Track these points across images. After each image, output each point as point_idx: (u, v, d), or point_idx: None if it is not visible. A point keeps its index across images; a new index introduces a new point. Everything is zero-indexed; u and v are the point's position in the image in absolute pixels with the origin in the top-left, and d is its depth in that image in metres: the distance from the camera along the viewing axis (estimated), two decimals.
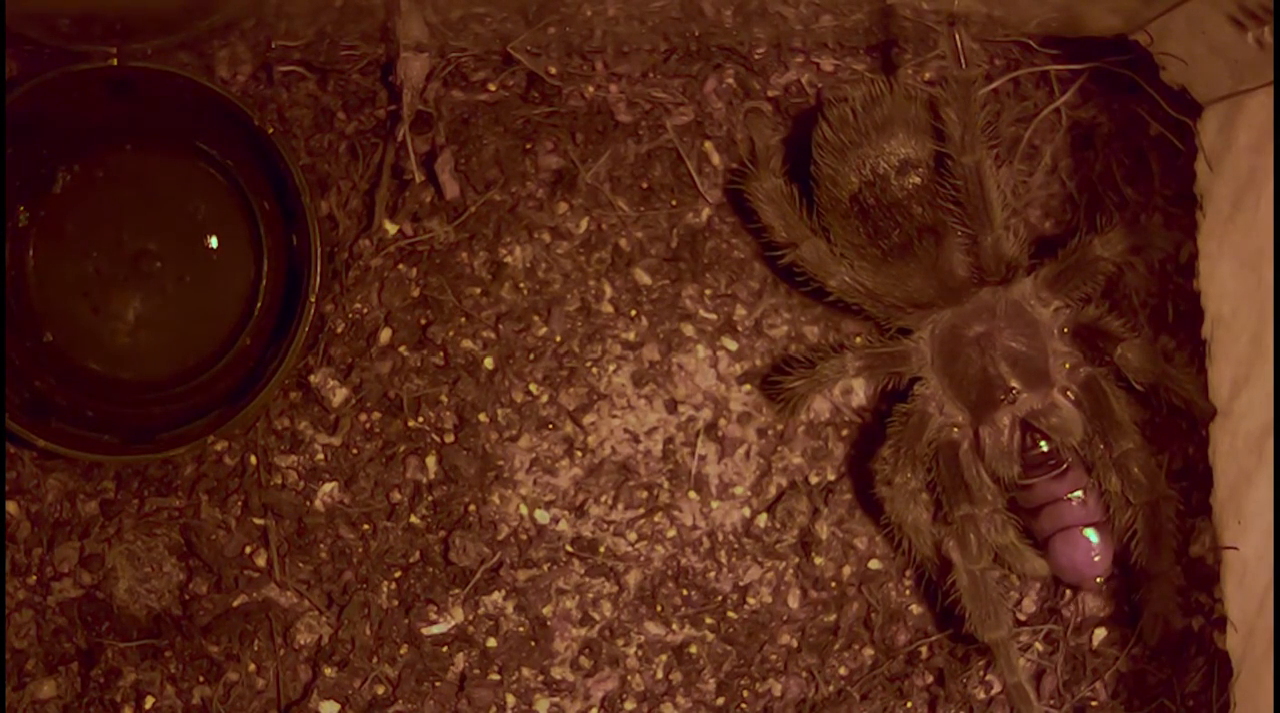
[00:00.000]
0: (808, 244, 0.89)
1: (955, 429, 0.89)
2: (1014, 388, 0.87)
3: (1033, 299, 0.89)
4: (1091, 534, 0.87)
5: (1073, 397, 0.88)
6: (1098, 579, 0.89)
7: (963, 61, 0.85)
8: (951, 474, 0.87)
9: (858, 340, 0.94)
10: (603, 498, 0.93)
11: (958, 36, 0.85)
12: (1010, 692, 0.88)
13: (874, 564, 0.93)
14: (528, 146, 0.95)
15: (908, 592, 0.93)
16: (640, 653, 0.92)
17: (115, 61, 0.88)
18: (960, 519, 0.86)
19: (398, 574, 0.92)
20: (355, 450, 0.93)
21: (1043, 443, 0.87)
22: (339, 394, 0.92)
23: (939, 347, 0.90)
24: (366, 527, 0.92)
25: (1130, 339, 0.87)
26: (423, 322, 0.93)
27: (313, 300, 0.90)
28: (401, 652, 0.91)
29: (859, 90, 0.90)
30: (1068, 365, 0.89)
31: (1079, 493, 0.87)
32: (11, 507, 0.92)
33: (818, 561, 0.93)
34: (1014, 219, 0.93)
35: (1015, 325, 0.89)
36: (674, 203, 0.95)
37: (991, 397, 0.88)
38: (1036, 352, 0.88)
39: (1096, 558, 0.88)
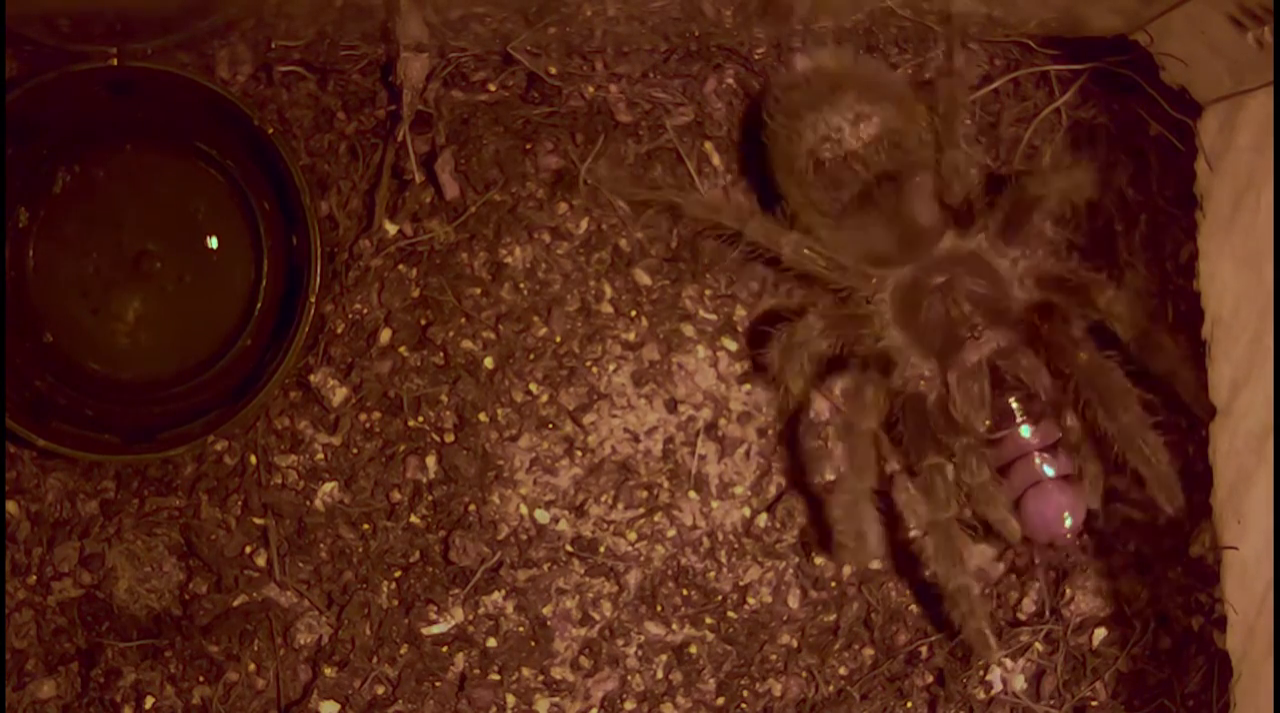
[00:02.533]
0: (753, 222, 0.89)
1: (922, 381, 0.88)
2: (978, 325, 0.87)
3: (990, 252, 0.89)
4: (1065, 488, 0.86)
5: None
6: (1070, 536, 0.88)
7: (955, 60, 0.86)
8: (918, 427, 0.86)
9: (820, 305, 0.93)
10: (603, 498, 0.93)
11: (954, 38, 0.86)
12: (970, 636, 0.87)
13: (874, 564, 0.93)
14: (528, 146, 0.95)
15: (908, 592, 0.93)
16: (640, 653, 0.92)
17: (115, 61, 0.88)
18: (928, 469, 0.85)
19: (398, 574, 0.92)
20: (355, 450, 0.93)
21: (1010, 399, 0.87)
22: (339, 394, 0.92)
23: (901, 302, 0.89)
24: (366, 527, 0.92)
25: (1108, 288, 0.86)
26: (423, 322, 0.94)
27: (313, 300, 0.90)
28: (401, 652, 0.91)
29: (807, 63, 0.90)
30: (1030, 307, 0.88)
31: (1050, 449, 0.87)
32: (11, 507, 0.92)
33: (818, 561, 0.93)
34: (972, 154, 0.91)
35: (975, 272, 0.88)
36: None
37: (956, 337, 0.87)
38: (998, 294, 0.88)
39: (1069, 513, 0.87)
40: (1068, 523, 0.87)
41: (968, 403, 0.86)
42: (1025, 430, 0.87)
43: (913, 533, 0.91)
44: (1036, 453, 0.87)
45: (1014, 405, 0.87)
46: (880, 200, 0.87)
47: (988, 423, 0.86)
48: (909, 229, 0.88)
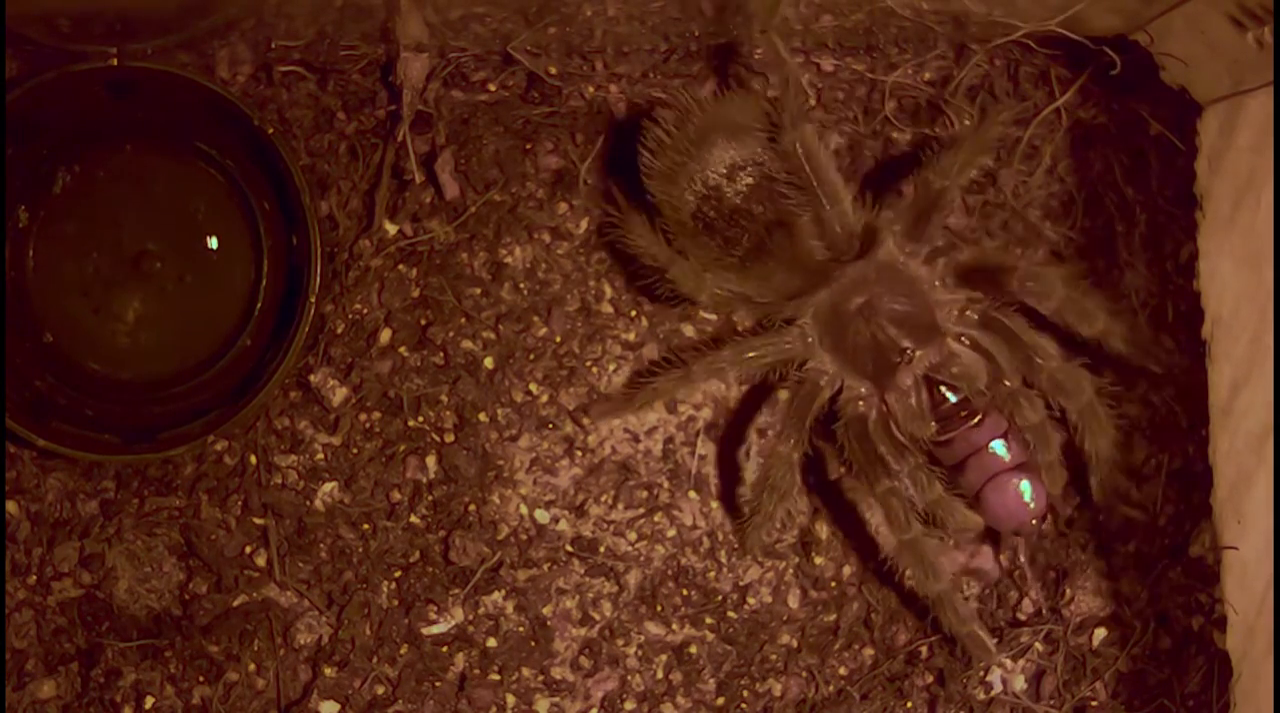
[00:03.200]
0: (675, 266, 0.88)
1: (860, 403, 0.87)
2: (907, 348, 0.86)
3: (901, 256, 0.88)
4: (1022, 476, 0.86)
5: (968, 342, 0.87)
6: (1034, 522, 0.87)
7: (782, 57, 0.85)
8: (865, 450, 0.86)
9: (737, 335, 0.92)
10: (603, 498, 0.93)
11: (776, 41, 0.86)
12: (965, 642, 0.87)
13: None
14: (528, 146, 0.95)
15: (908, 592, 0.93)
16: (640, 653, 0.92)
17: (115, 61, 0.88)
18: (882, 495, 0.84)
19: (398, 574, 0.92)
20: (355, 450, 0.93)
21: (950, 395, 0.86)
22: (339, 394, 0.92)
23: (824, 327, 0.88)
24: (366, 527, 0.92)
25: (1018, 264, 0.85)
26: (423, 322, 0.94)
27: (313, 300, 0.90)
28: (401, 652, 0.91)
29: (669, 110, 0.88)
30: (956, 312, 0.88)
31: (1000, 440, 0.86)
32: (11, 507, 0.92)
33: (818, 561, 0.93)
34: (850, 188, 0.90)
35: (893, 287, 0.87)
36: None
37: (887, 362, 0.86)
38: (921, 307, 0.87)
39: (1031, 500, 0.86)
40: (1030, 509, 0.86)
41: (909, 420, 0.86)
42: (974, 428, 0.86)
43: (883, 555, 0.91)
44: (987, 447, 0.86)
45: (957, 405, 0.86)
46: (775, 248, 0.87)
47: (934, 428, 0.86)
48: (811, 264, 0.88)
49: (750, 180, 0.87)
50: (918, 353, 0.86)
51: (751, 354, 0.87)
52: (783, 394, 0.89)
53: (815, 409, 0.87)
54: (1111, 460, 0.87)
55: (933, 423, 0.85)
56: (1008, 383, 0.85)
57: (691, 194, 0.87)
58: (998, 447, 0.86)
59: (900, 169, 0.94)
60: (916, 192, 0.87)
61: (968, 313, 0.87)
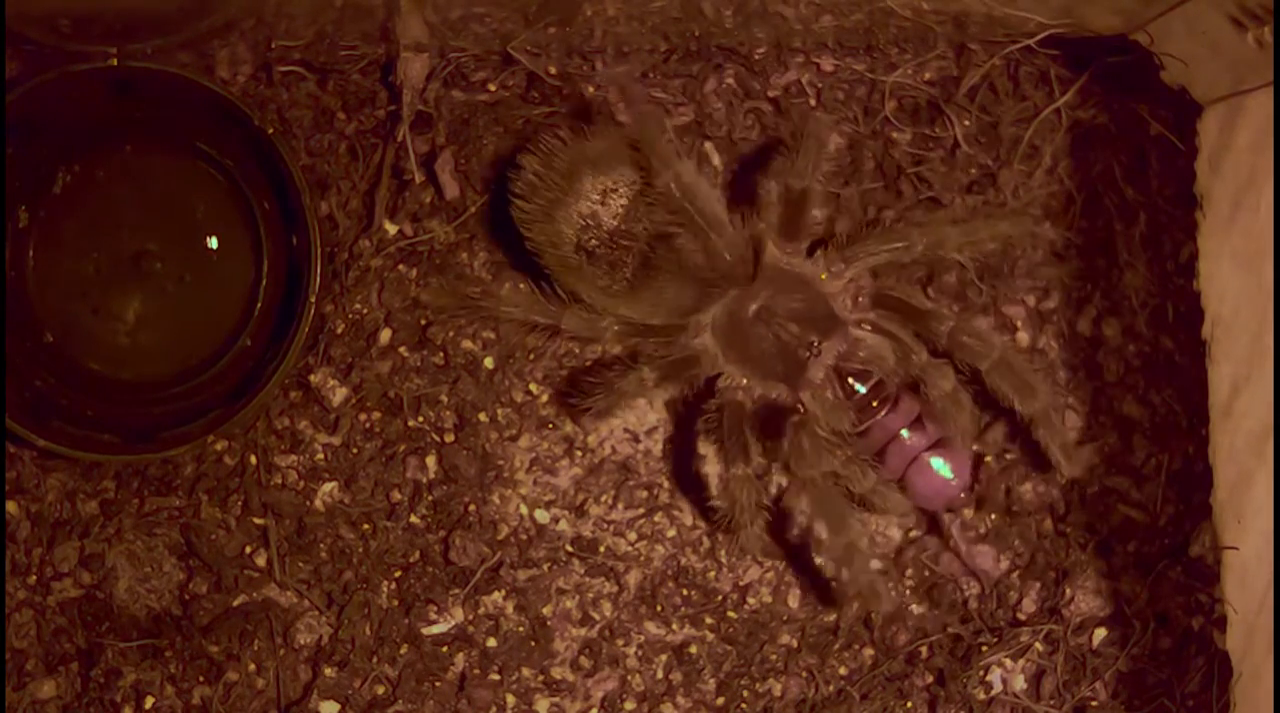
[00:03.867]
0: (568, 315, 0.88)
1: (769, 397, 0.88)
2: (813, 341, 0.86)
3: (785, 257, 0.88)
4: (941, 454, 0.87)
5: (868, 326, 0.87)
6: (962, 495, 0.88)
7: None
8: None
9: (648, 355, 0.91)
10: (603, 498, 0.93)
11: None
12: (863, 591, 0.86)
13: (875, 564, 0.93)
14: (528, 147, 0.95)
15: (908, 592, 0.93)
16: (640, 653, 0.92)
17: (115, 61, 0.88)
18: (840, 531, 0.83)
19: (398, 574, 0.92)
20: (355, 450, 0.93)
21: (859, 386, 0.86)
22: (339, 394, 0.92)
23: (725, 339, 0.88)
24: (366, 527, 0.92)
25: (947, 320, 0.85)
26: (423, 322, 0.94)
27: (313, 300, 0.90)
28: (401, 652, 0.91)
29: (531, 156, 0.88)
30: (850, 300, 0.87)
31: (916, 422, 0.86)
32: (11, 507, 0.92)
33: (818, 560, 0.93)
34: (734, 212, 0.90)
35: (784, 287, 0.87)
36: None
37: (796, 360, 0.86)
38: (815, 300, 0.87)
39: (954, 476, 0.87)
40: (955, 483, 0.87)
41: (829, 414, 0.85)
42: (889, 414, 0.86)
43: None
44: (904, 432, 0.86)
45: (868, 394, 0.86)
46: (660, 262, 0.87)
47: (852, 416, 0.86)
48: (699, 275, 0.88)
49: (625, 200, 0.86)
50: (824, 344, 0.86)
51: (654, 375, 0.87)
52: (709, 436, 0.90)
53: (748, 422, 0.87)
54: (1046, 415, 0.85)
55: (851, 414, 0.86)
56: (915, 357, 0.85)
57: (570, 227, 0.87)
58: (914, 431, 0.86)
59: (753, 169, 0.94)
60: (782, 196, 0.87)
61: (860, 298, 0.87)
